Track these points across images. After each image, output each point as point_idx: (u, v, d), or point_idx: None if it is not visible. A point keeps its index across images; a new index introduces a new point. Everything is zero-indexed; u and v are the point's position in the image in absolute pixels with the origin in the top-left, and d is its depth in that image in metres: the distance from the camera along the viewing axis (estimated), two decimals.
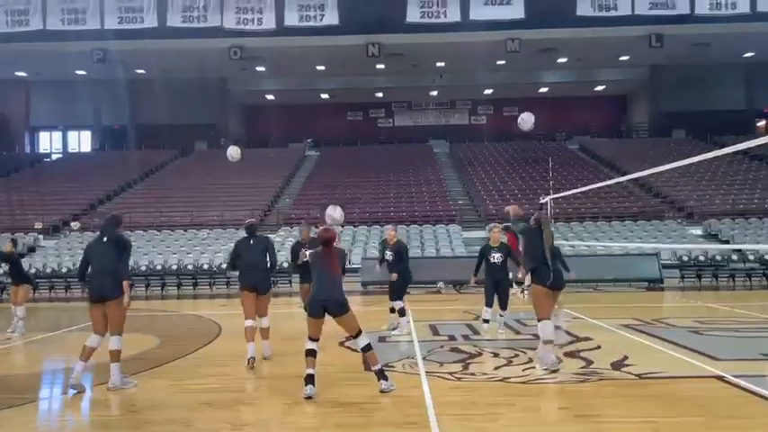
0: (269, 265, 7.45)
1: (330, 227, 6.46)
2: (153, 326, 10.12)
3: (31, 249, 22.32)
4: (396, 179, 28.89)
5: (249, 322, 7.24)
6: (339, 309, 5.88)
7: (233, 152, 10.97)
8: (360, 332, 5.95)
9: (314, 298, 5.92)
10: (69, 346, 9.28)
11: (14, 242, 10.88)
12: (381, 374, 5.88)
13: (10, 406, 5.67)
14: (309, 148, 35.81)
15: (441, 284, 17.24)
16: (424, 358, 7.36)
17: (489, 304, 8.99)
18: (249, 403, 5.69)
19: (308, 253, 6.41)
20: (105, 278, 6.16)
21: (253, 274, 7.31)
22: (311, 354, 5.89)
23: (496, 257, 8.90)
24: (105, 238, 6.37)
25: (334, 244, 6.06)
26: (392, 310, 9.51)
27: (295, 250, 8.74)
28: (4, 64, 29.44)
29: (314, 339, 5.96)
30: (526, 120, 10.70)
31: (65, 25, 25.69)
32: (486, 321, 9.08)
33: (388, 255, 9.43)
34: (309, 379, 5.77)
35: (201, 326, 10.26)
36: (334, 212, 7.59)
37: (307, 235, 9.02)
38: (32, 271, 18.79)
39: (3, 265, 10.34)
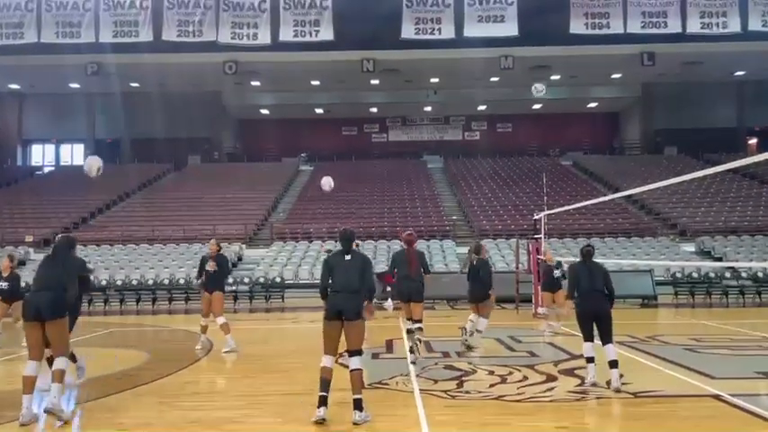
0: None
1: (411, 233, 8.15)
2: (142, 341, 10.00)
3: (22, 263, 22.08)
4: (390, 194, 28.88)
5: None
6: (417, 296, 8.09)
7: None
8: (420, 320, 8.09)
9: (400, 289, 8.12)
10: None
11: (12, 258, 10.75)
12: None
13: None
14: (303, 162, 35.80)
15: (388, 303, 15.34)
16: (417, 375, 7.27)
17: None
18: (238, 422, 5.58)
19: (394, 252, 8.69)
20: (45, 295, 5.53)
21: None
22: (409, 332, 8.11)
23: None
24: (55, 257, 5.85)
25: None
26: None
27: (202, 263, 9.42)
28: None
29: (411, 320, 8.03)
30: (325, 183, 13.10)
31: (59, 38, 25.63)
32: None
33: None
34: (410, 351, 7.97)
35: (192, 342, 10.12)
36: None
37: (215, 249, 9.45)
38: (22, 285, 18.56)
39: (3, 284, 10.13)
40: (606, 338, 6.71)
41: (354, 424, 5.26)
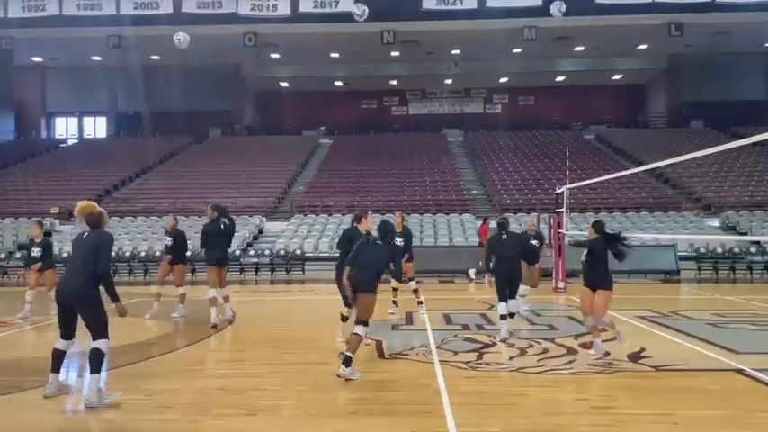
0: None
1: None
2: (167, 311, 10.16)
3: (47, 234, 22.48)
4: (409, 168, 28.76)
5: None
6: None
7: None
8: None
9: None
10: (84, 330, 9.34)
11: (41, 224, 11.07)
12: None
13: (24, 388, 5.72)
14: (323, 135, 35.73)
15: (471, 272, 16.78)
16: (437, 347, 7.33)
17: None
18: (263, 389, 5.69)
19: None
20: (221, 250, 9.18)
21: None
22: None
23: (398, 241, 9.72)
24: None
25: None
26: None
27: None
28: (21, 49, 29.56)
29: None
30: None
31: (81, 11, 25.72)
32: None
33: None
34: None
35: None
36: None
37: (173, 224, 10.46)
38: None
39: (35, 250, 10.41)
40: (512, 295, 8.05)
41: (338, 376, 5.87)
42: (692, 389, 5.58)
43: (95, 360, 5.14)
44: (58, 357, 5.42)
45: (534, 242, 10.20)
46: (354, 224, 7.61)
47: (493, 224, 14.22)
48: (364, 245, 6.48)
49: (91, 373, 5.12)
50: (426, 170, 28.53)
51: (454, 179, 27.50)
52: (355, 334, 6.12)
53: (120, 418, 4.92)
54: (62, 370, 5.56)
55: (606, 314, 6.74)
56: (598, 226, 6.91)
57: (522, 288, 9.74)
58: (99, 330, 5.21)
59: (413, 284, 9.85)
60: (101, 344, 5.19)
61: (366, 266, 6.25)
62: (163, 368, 6.54)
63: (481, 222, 18.70)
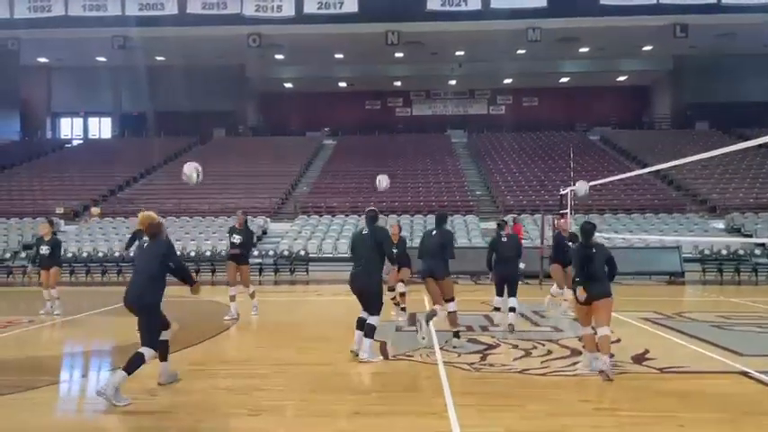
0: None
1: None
2: (170, 311, 10.16)
3: (55, 233, 22.55)
4: (413, 169, 28.74)
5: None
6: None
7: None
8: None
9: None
10: (92, 329, 9.39)
11: (51, 222, 11.25)
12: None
13: (32, 387, 5.74)
14: (327, 136, 35.74)
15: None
16: (441, 348, 7.33)
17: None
18: (267, 389, 5.70)
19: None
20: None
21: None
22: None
23: None
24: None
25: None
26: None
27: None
28: (27, 50, 29.67)
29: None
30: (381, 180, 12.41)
31: (86, 12, 25.80)
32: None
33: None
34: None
35: (220, 312, 10.32)
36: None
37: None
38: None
39: (44, 248, 10.62)
40: (512, 294, 8.55)
41: (454, 347, 7.23)
42: (696, 391, 5.56)
43: (134, 363, 5.30)
44: (163, 348, 5.71)
45: (570, 244, 9.93)
46: (376, 224, 6.99)
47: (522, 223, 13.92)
48: (424, 238, 7.55)
49: (123, 369, 5.26)
50: (430, 171, 28.51)
51: (458, 180, 27.48)
52: (451, 312, 7.31)
53: (123, 418, 4.93)
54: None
55: (586, 328, 6.33)
56: (585, 230, 6.46)
57: (554, 289, 10.16)
58: (149, 339, 5.45)
59: (401, 287, 9.68)
60: (147, 351, 5.37)
61: (431, 258, 7.25)
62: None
63: (512, 223, 18.57)
